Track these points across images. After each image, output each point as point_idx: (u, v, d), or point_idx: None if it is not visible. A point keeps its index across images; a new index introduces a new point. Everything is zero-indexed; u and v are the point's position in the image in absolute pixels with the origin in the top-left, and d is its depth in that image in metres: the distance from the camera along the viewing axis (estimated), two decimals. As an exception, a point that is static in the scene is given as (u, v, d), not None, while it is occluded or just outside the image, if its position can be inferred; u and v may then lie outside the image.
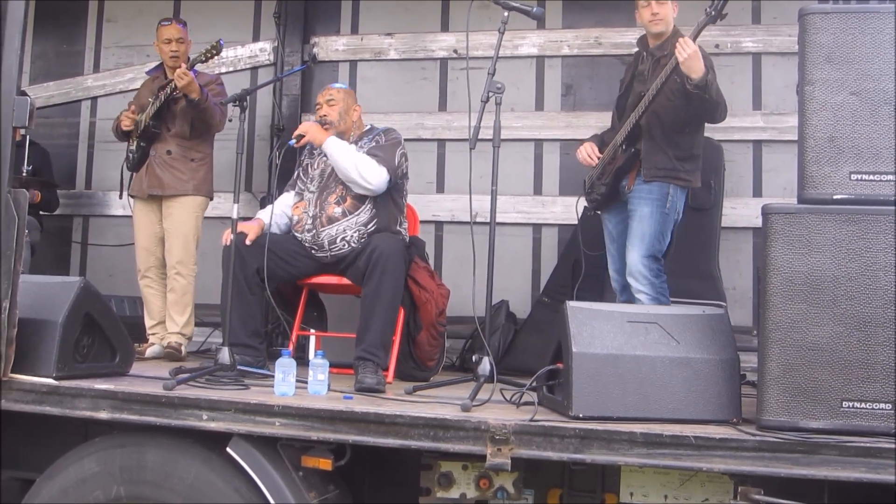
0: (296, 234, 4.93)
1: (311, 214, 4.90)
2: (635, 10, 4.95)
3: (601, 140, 5.13)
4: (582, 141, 5.20)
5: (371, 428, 3.35)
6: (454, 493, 3.50)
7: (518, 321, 6.25)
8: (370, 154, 4.88)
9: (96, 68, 7.62)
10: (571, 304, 3.59)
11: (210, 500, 3.50)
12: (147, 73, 6.14)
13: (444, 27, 6.93)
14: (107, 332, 4.09)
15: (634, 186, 4.85)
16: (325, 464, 3.49)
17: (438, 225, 6.75)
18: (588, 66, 6.68)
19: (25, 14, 3.81)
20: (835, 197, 3.24)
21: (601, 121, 5.53)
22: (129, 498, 3.60)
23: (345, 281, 4.83)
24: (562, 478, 3.68)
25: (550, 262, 6.46)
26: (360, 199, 4.87)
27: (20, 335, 3.69)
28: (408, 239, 5.04)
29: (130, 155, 5.89)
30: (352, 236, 4.79)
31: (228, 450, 3.49)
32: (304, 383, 3.90)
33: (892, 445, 2.98)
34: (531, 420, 3.25)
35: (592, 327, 3.51)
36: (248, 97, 4.67)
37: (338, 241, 4.81)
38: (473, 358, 4.41)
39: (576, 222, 5.45)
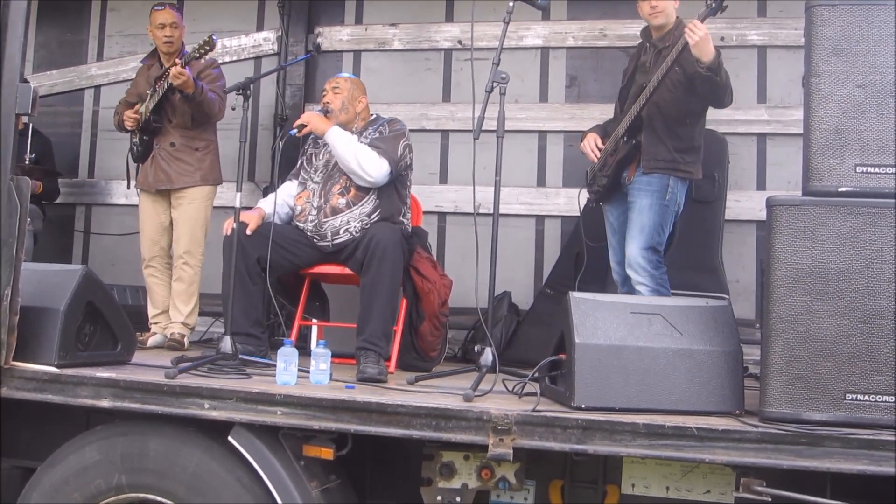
0: (298, 223, 4.92)
1: (314, 205, 4.89)
2: (637, 2, 4.94)
3: (604, 130, 5.12)
4: (586, 133, 5.19)
5: (373, 417, 3.35)
6: (456, 484, 3.50)
7: (521, 312, 6.25)
8: (372, 145, 4.86)
9: (100, 57, 7.62)
10: (574, 295, 3.59)
11: (212, 488, 3.49)
12: (141, 61, 6.12)
13: (449, 18, 6.93)
14: (109, 320, 4.09)
15: (635, 178, 4.85)
16: (327, 453, 3.49)
17: (441, 216, 6.74)
18: (593, 57, 6.67)
19: (29, 2, 3.81)
20: (840, 189, 3.23)
21: (605, 113, 5.53)
22: (131, 486, 3.60)
23: (347, 270, 4.82)
24: (563, 469, 3.68)
25: (553, 253, 6.46)
26: (364, 190, 4.86)
27: (22, 323, 3.68)
28: (410, 229, 5.03)
29: (135, 147, 5.89)
30: (355, 227, 4.78)
31: (230, 439, 3.49)
32: (306, 373, 3.90)
33: (895, 438, 2.97)
34: (533, 410, 3.24)
35: (595, 318, 3.50)
36: (251, 86, 4.65)
37: (341, 231, 4.80)
38: (476, 349, 4.40)
39: (578, 214, 5.45)
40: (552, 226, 6.62)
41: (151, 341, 5.61)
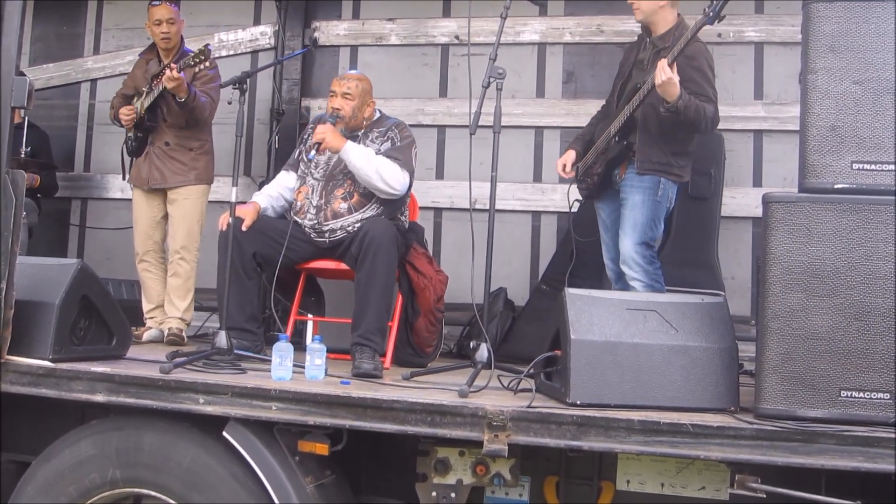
0: (297, 219, 4.90)
1: (314, 204, 4.87)
2: None
3: (587, 139, 5.13)
4: (582, 129, 5.20)
5: (368, 413, 3.35)
6: (451, 479, 3.50)
7: (516, 308, 6.25)
8: (390, 156, 4.83)
9: (96, 50, 7.61)
10: (570, 292, 3.59)
11: (206, 483, 3.49)
12: (140, 53, 6.10)
13: (446, 13, 6.92)
14: (104, 314, 4.08)
15: (626, 175, 4.85)
16: (322, 449, 3.48)
17: (438, 211, 6.74)
18: (590, 53, 6.67)
19: (25, -4, 3.81)
20: (836, 186, 3.23)
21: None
22: (126, 481, 3.59)
23: (342, 266, 4.81)
24: (559, 465, 3.67)
25: (549, 249, 6.46)
26: (368, 196, 4.84)
27: (17, 317, 3.67)
28: (406, 225, 5.02)
29: (129, 141, 5.89)
30: (353, 225, 4.76)
31: (225, 434, 3.48)
32: (301, 368, 3.90)
33: (890, 435, 2.97)
34: (528, 407, 3.24)
35: (591, 314, 3.50)
36: (247, 80, 4.64)
37: (338, 231, 4.79)
38: (471, 344, 4.40)
39: (569, 210, 5.45)
40: (548, 222, 6.61)
41: (146, 336, 5.61)
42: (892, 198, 3.16)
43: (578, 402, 3.32)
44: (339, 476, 3.71)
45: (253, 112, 7.10)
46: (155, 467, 3.55)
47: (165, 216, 5.77)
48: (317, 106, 6.84)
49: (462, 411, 3.26)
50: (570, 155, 5.13)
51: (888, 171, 3.20)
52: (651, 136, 4.77)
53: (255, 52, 7.25)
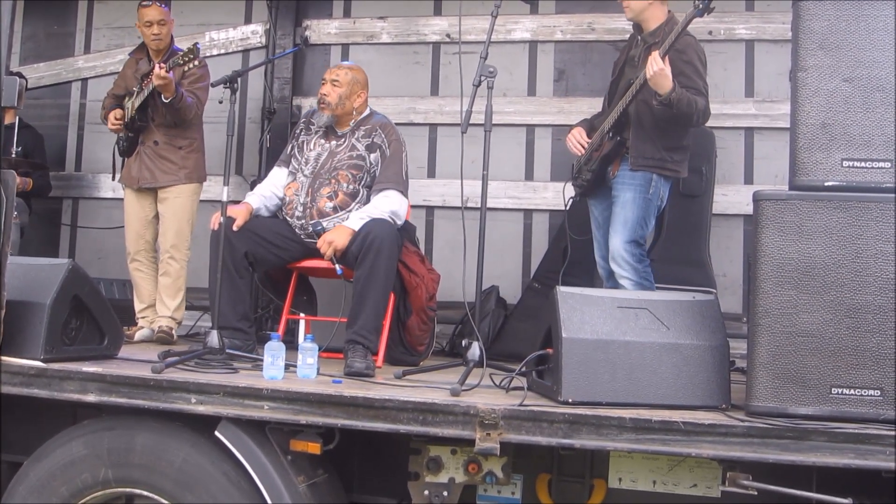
0: (286, 216, 4.90)
1: (301, 201, 4.87)
2: None
3: (590, 125, 5.13)
4: (572, 127, 5.19)
5: (360, 412, 3.35)
6: (443, 478, 3.50)
7: (508, 307, 6.25)
8: (386, 179, 4.84)
9: (87, 49, 7.58)
10: (562, 290, 3.59)
11: (199, 483, 3.49)
12: (130, 53, 6.09)
13: (437, 11, 6.92)
14: (95, 314, 4.08)
15: (619, 172, 4.85)
16: (314, 448, 3.48)
17: (429, 210, 6.74)
18: (581, 51, 6.67)
19: (15, -5, 3.79)
20: (826, 184, 3.24)
21: (594, 107, 5.53)
22: (117, 481, 3.59)
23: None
24: (551, 463, 3.68)
25: (541, 247, 6.46)
26: (352, 196, 4.85)
27: (8, 317, 3.66)
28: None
29: (120, 141, 5.88)
30: (342, 227, 4.77)
31: (217, 433, 3.48)
32: (293, 367, 3.90)
33: (881, 431, 2.98)
34: (520, 405, 3.25)
35: (582, 313, 3.51)
36: (238, 79, 4.64)
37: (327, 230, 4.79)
38: (463, 343, 4.40)
39: (568, 208, 5.45)
40: (540, 220, 6.61)
41: (138, 335, 5.60)
42: (883, 195, 3.17)
43: (570, 401, 3.33)
44: (331, 475, 3.71)
45: (244, 111, 7.09)
46: (147, 467, 3.55)
47: (157, 216, 5.76)
48: (308, 104, 6.82)
49: (454, 410, 3.27)
50: (580, 130, 5.11)
51: (878, 168, 3.22)
52: (644, 131, 4.77)
53: (246, 51, 7.24)
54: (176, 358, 3.98)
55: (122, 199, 5.99)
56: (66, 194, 7.44)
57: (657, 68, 4.39)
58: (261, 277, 5.09)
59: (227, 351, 4.27)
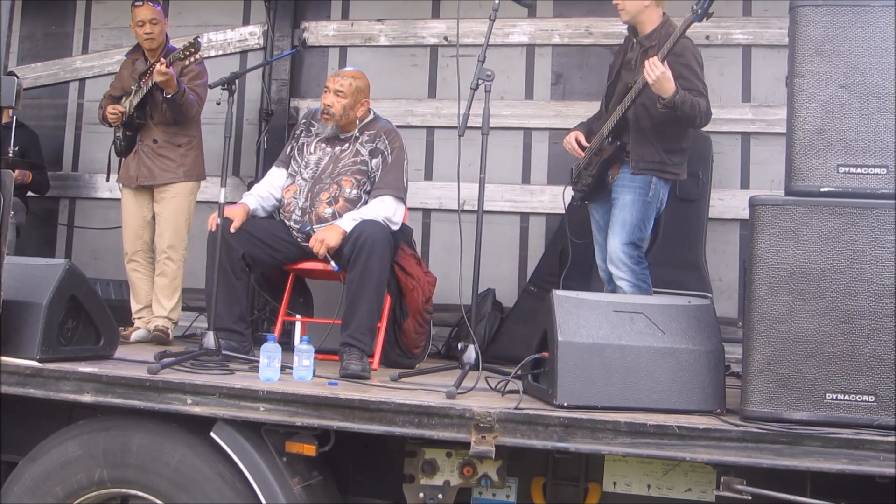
0: (283, 218, 4.90)
1: (300, 205, 4.86)
2: None
3: (588, 128, 5.14)
4: (570, 130, 5.20)
5: (356, 414, 3.35)
6: (438, 481, 3.50)
7: (504, 310, 6.25)
8: (385, 185, 4.84)
9: (85, 49, 7.58)
10: (558, 293, 3.60)
11: (194, 484, 3.49)
12: (126, 54, 6.09)
13: (435, 14, 6.92)
14: (92, 315, 4.08)
15: (619, 175, 4.86)
16: (310, 449, 3.49)
17: (426, 212, 6.75)
18: (578, 55, 6.68)
19: (13, -5, 3.80)
20: (822, 189, 3.25)
21: (591, 110, 5.53)
22: (113, 481, 3.59)
23: (330, 267, 4.81)
24: (546, 466, 3.68)
25: (538, 250, 6.47)
26: (354, 201, 4.85)
27: (4, 317, 3.66)
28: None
29: (118, 141, 5.88)
30: (340, 234, 4.77)
31: (213, 434, 3.49)
32: (289, 369, 3.90)
33: (875, 437, 2.99)
34: (516, 408, 3.25)
35: (578, 316, 3.52)
36: (236, 81, 4.64)
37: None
38: (459, 346, 4.41)
39: (563, 211, 5.46)
40: (537, 223, 6.62)
41: (134, 336, 5.59)
42: (878, 201, 3.18)
43: (565, 404, 3.34)
44: (326, 477, 3.72)
45: (242, 112, 7.10)
46: (142, 468, 3.55)
47: (154, 216, 5.76)
48: (305, 106, 6.82)
49: (449, 413, 3.27)
50: (579, 133, 5.12)
51: (874, 174, 3.23)
52: (644, 135, 4.78)
53: (244, 53, 7.24)
54: (172, 359, 3.97)
55: (118, 200, 6.00)
56: (62, 194, 7.44)
57: (658, 73, 4.40)
58: (257, 279, 5.10)
59: (224, 352, 4.27)
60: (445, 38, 6.79)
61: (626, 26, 5.10)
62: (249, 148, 7.12)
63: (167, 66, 5.30)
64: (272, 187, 5.03)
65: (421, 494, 3.52)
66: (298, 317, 5.17)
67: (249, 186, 6.16)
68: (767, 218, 3.23)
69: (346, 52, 7.08)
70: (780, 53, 5.96)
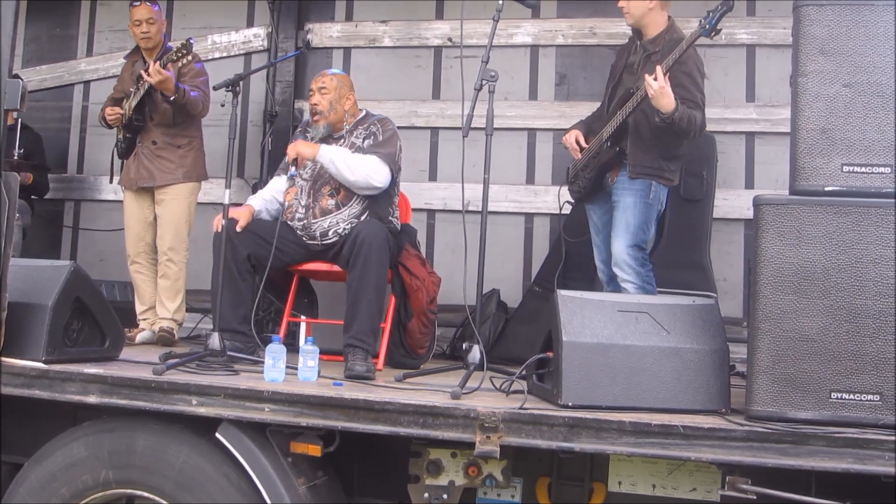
0: (286, 220, 4.91)
1: (303, 204, 4.88)
2: None
3: (588, 127, 5.14)
4: (569, 129, 5.21)
5: (360, 414, 3.35)
6: (443, 481, 3.50)
7: (509, 310, 6.26)
8: (370, 151, 4.84)
9: (89, 52, 7.61)
10: (562, 293, 3.60)
11: (199, 484, 3.49)
12: (125, 57, 6.10)
13: (439, 15, 6.93)
14: (97, 316, 4.09)
15: (618, 179, 4.87)
16: (314, 450, 3.49)
17: (430, 213, 6.75)
18: (582, 55, 6.68)
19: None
20: (826, 189, 3.24)
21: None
22: (118, 482, 3.60)
23: (335, 268, 4.82)
24: (550, 466, 3.68)
25: (542, 251, 6.47)
26: (352, 191, 4.86)
27: (10, 318, 3.67)
28: (399, 227, 5.03)
29: (119, 143, 5.90)
30: (343, 228, 4.77)
31: (218, 435, 3.49)
32: (294, 369, 3.91)
33: (880, 436, 2.98)
34: (520, 408, 3.25)
35: (583, 316, 3.51)
36: (240, 83, 4.65)
37: (330, 232, 4.79)
38: (464, 346, 4.40)
39: (567, 212, 5.46)
40: (541, 223, 6.62)
41: (139, 337, 5.60)
42: (883, 200, 3.18)
43: (570, 404, 3.33)
44: (331, 477, 3.72)
45: (246, 114, 7.11)
46: (147, 469, 3.56)
47: (156, 217, 5.77)
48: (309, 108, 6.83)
49: (454, 413, 3.27)
50: (578, 133, 5.12)
51: (878, 173, 3.22)
52: (643, 141, 4.78)
53: (248, 55, 7.26)
54: (177, 360, 3.98)
55: (122, 202, 6.01)
56: (67, 196, 7.46)
57: (658, 87, 4.40)
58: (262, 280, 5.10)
59: (228, 353, 4.28)
60: (449, 39, 6.80)
61: (630, 28, 5.10)
62: (254, 149, 7.13)
63: (161, 68, 5.30)
64: (275, 192, 5.05)
65: (426, 495, 3.52)
66: (303, 318, 5.18)
67: (254, 188, 6.19)
68: (772, 217, 3.23)
69: (350, 54, 7.09)
70: (784, 53, 5.96)
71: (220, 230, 4.59)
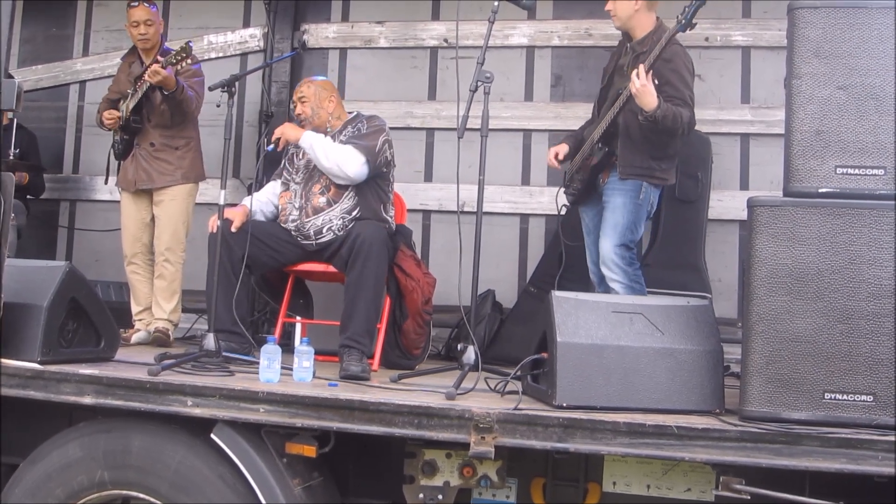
0: (280, 223, 4.92)
1: (296, 205, 4.90)
2: None
3: (578, 138, 5.16)
4: (569, 132, 5.22)
5: (355, 415, 3.36)
6: (438, 481, 3.51)
7: (504, 311, 6.26)
8: (349, 142, 4.88)
9: (85, 52, 7.59)
10: (557, 294, 3.60)
11: (194, 485, 3.50)
12: (121, 58, 6.10)
13: (435, 16, 6.92)
14: (92, 317, 4.09)
15: (609, 179, 4.89)
16: (310, 451, 3.49)
17: (426, 214, 6.74)
18: (578, 57, 6.68)
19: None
20: (820, 190, 3.25)
21: (590, 112, 5.54)
22: (113, 483, 3.60)
23: (331, 268, 4.83)
24: (545, 467, 3.69)
25: (537, 252, 6.47)
26: (343, 188, 4.88)
27: (5, 319, 3.67)
28: (394, 227, 5.04)
29: (116, 145, 5.90)
30: (337, 224, 4.79)
31: (213, 436, 3.49)
32: (289, 370, 3.91)
33: (873, 437, 2.99)
34: (515, 409, 3.25)
35: (577, 317, 3.52)
36: (236, 83, 4.66)
37: (323, 230, 4.81)
38: (459, 347, 4.42)
39: (557, 213, 5.47)
40: (536, 224, 6.62)
41: (135, 338, 5.60)
42: (876, 202, 3.19)
43: (565, 405, 3.34)
44: (326, 478, 3.72)
45: (242, 114, 7.10)
46: (142, 469, 3.56)
47: (153, 218, 5.77)
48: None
49: (449, 413, 3.28)
50: (563, 147, 5.15)
51: (871, 175, 3.23)
52: (632, 141, 4.79)
53: (244, 55, 7.24)
54: (172, 360, 3.98)
55: (118, 202, 6.01)
56: (63, 196, 7.45)
57: (639, 85, 4.42)
58: (257, 280, 5.10)
59: (224, 354, 4.28)
60: (445, 40, 6.80)
61: (618, 29, 5.11)
62: (249, 150, 7.12)
63: (162, 67, 5.30)
64: (271, 195, 5.09)
65: (421, 495, 3.52)
66: (298, 318, 5.18)
67: (249, 189, 6.18)
68: (766, 219, 3.24)
69: (346, 55, 7.08)
70: (779, 55, 5.92)
71: (215, 231, 4.59)
